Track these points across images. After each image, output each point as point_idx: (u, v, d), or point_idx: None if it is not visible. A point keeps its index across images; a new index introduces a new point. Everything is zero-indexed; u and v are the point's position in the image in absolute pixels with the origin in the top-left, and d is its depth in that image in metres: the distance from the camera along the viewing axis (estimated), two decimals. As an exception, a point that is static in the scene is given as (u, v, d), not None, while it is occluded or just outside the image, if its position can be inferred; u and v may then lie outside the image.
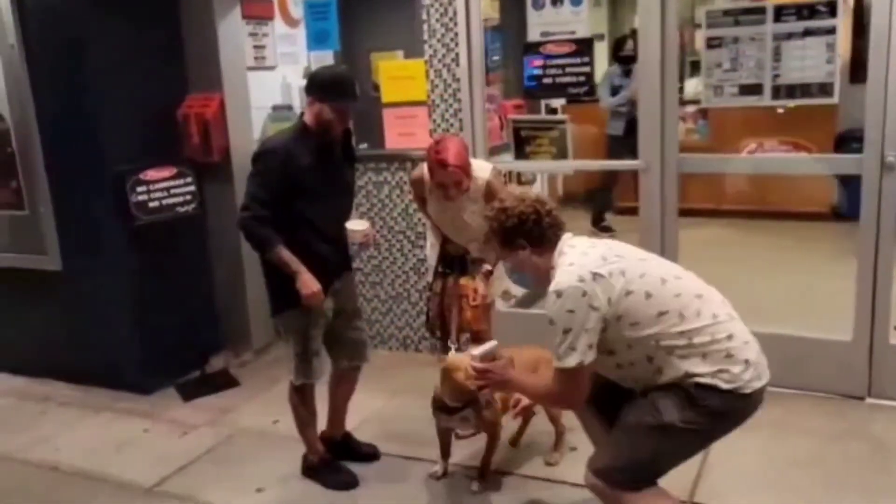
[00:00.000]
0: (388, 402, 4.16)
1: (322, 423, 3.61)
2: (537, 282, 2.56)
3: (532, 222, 2.50)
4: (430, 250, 3.88)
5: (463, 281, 3.58)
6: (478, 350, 2.79)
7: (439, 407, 3.16)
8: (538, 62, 4.17)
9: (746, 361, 2.35)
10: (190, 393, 4.52)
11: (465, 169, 3.36)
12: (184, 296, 4.63)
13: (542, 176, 5.47)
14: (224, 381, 4.65)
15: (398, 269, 4.78)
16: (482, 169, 3.53)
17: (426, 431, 3.82)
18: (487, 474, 3.34)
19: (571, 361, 2.34)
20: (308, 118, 3.20)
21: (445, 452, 3.43)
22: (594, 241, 2.55)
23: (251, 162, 3.22)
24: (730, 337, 2.35)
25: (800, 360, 3.91)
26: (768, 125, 6.02)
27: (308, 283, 3.12)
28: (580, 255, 2.41)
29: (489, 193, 3.44)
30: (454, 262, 3.63)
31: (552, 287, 2.39)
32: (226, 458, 3.78)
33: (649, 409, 2.40)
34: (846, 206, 6.45)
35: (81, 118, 4.32)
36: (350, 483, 3.44)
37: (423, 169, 3.56)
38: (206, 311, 4.89)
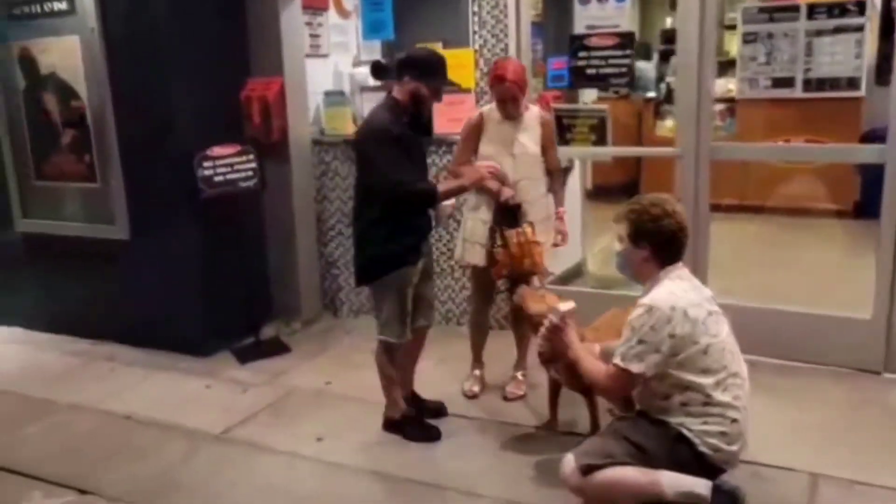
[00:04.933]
0: (436, 368, 4.41)
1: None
2: (634, 278, 2.86)
3: (668, 233, 2.70)
4: (474, 224, 3.92)
5: (522, 229, 3.74)
6: (565, 306, 2.97)
7: None
8: (583, 54, 4.45)
9: (729, 444, 2.67)
10: (246, 356, 4.82)
11: (521, 86, 3.71)
12: (241, 267, 4.92)
13: (579, 163, 5.72)
14: (276, 348, 4.94)
15: (442, 247, 5.05)
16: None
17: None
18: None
19: (635, 368, 2.65)
20: (400, 95, 3.44)
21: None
22: (698, 287, 2.77)
23: (364, 143, 3.49)
24: (734, 421, 2.67)
25: (820, 337, 4.17)
26: (794, 123, 6.24)
27: (471, 173, 3.53)
28: (682, 291, 2.69)
29: (545, 126, 3.86)
30: (506, 215, 3.79)
31: (646, 300, 2.69)
32: (285, 412, 4.08)
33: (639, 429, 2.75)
34: (868, 203, 6.66)
35: (153, 98, 4.64)
36: (433, 436, 3.66)
37: (482, 108, 3.87)
38: (260, 282, 5.20)
